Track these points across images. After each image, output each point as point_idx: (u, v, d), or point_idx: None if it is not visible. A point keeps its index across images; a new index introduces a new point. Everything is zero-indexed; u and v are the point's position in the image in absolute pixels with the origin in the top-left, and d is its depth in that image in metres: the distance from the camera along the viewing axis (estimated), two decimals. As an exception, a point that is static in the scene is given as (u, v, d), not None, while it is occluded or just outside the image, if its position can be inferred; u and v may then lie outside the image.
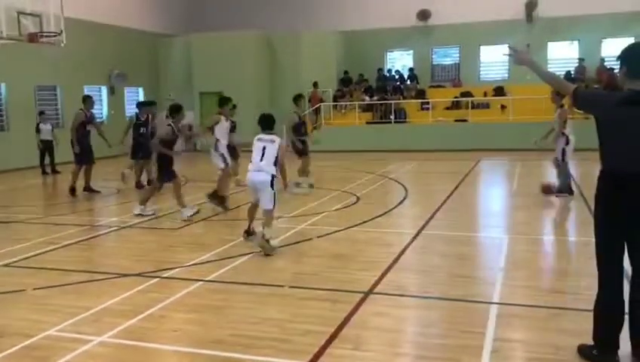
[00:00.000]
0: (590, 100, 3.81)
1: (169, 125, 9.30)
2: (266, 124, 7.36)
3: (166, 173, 9.23)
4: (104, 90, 22.02)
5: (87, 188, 12.08)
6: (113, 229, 8.72)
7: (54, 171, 16.27)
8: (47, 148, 16.35)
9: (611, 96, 3.66)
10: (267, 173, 6.93)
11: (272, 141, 7.12)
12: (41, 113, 16.85)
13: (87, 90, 20.89)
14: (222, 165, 10.05)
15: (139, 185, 12.49)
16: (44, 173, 16.27)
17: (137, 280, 5.97)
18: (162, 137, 9.24)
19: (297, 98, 12.16)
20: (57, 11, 12.77)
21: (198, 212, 9.21)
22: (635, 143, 3.52)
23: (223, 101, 10.42)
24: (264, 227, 6.91)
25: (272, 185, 6.95)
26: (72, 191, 11.81)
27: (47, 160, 16.45)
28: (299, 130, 11.77)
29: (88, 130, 12.00)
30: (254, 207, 7.38)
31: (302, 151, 11.88)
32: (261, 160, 6.98)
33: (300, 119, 11.77)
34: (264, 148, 7.03)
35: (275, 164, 7.01)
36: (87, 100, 12.27)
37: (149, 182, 12.65)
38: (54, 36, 12.74)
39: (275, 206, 7.14)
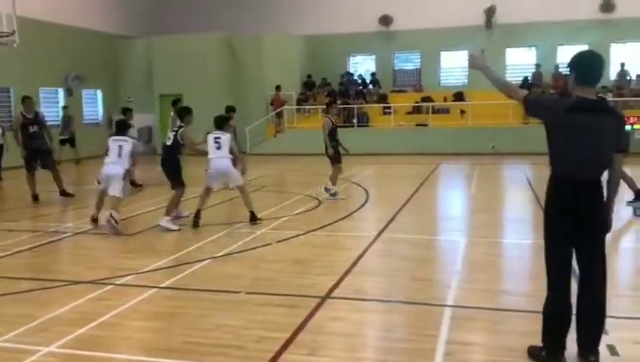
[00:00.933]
0: (540, 107, 3.88)
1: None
2: (217, 123, 9.04)
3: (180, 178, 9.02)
4: (61, 92, 21.49)
5: (63, 193, 11.56)
6: (67, 235, 8.48)
7: None
8: None
9: (561, 103, 3.73)
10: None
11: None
12: None
13: (42, 93, 20.44)
14: None
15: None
16: None
17: (90, 287, 5.81)
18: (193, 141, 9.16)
19: (330, 104, 11.94)
20: (9, 10, 12.41)
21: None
22: (583, 150, 3.59)
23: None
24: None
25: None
26: (34, 197, 11.27)
27: None
28: (333, 135, 11.23)
29: (32, 132, 11.10)
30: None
31: (336, 158, 11.29)
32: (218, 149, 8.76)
33: (333, 124, 11.21)
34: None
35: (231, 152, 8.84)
36: (25, 101, 11.42)
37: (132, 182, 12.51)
38: (7, 36, 12.36)
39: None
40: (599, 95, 3.87)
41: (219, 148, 8.84)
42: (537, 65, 23.19)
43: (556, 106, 3.72)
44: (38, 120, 11.30)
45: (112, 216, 8.28)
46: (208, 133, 9.10)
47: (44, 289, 5.85)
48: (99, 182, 9.34)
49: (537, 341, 3.94)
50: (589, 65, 3.69)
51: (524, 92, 3.91)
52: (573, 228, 3.68)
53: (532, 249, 7.27)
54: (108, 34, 23.28)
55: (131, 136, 9.51)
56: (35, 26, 17.93)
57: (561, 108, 3.67)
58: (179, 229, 8.55)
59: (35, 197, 11.31)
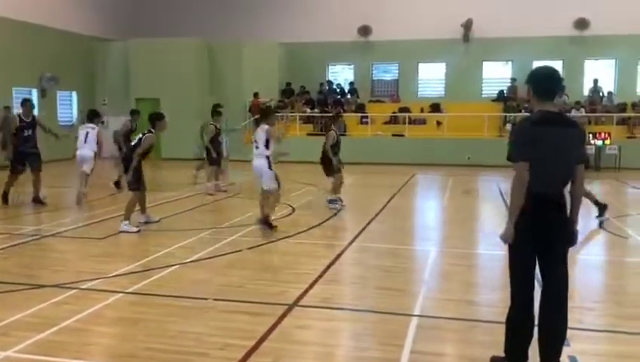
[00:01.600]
0: (520, 144, 3.70)
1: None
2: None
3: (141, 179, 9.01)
4: (34, 92, 21.15)
5: (36, 199, 11.10)
6: (34, 238, 8.33)
7: None
8: None
9: (525, 122, 3.78)
10: None
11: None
12: None
13: (15, 93, 20.09)
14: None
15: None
16: None
17: (53, 291, 5.71)
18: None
19: (336, 117, 12.21)
20: (-18, 9, 12.19)
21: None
22: (551, 163, 3.64)
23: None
24: None
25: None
26: (4, 197, 11.03)
27: None
28: (336, 148, 11.14)
29: (27, 135, 10.94)
30: None
31: (338, 169, 11.16)
32: None
33: (337, 137, 11.17)
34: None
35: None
36: (25, 105, 11.25)
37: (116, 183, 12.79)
38: (-21, 35, 12.13)
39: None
40: (571, 110, 3.91)
41: (257, 147, 8.92)
42: (513, 80, 23.55)
43: (524, 128, 3.74)
44: (34, 124, 11.14)
45: (80, 191, 11.10)
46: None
47: (6, 293, 5.73)
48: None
49: (500, 351, 3.97)
50: (544, 80, 3.76)
51: (517, 173, 3.70)
52: (538, 241, 3.73)
53: (501, 260, 7.32)
54: (85, 35, 23.01)
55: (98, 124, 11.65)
56: (9, 25, 17.66)
57: (527, 125, 3.72)
58: (138, 231, 8.59)
59: (5, 198, 11.07)
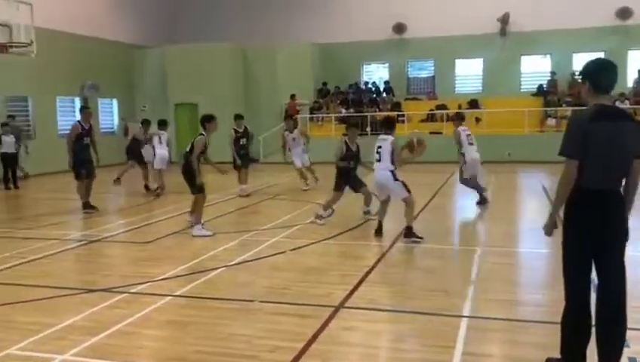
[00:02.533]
0: (572, 141, 3.60)
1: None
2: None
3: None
4: (77, 101, 21.72)
5: (86, 205, 11.31)
6: (82, 243, 8.54)
7: (15, 185, 15.45)
8: (9, 161, 15.46)
9: (583, 116, 3.65)
10: None
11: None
12: (4, 125, 15.63)
13: (59, 101, 20.67)
14: None
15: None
16: (6, 188, 15.28)
17: (104, 295, 5.83)
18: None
19: (348, 127, 10.26)
20: (28, 22, 12.59)
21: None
22: (607, 159, 3.53)
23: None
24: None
25: None
26: (87, 205, 11.22)
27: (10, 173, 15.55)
28: (350, 159, 9.73)
29: (86, 143, 11.21)
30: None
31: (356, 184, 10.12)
32: None
33: (346, 148, 9.63)
34: None
35: None
36: (85, 112, 11.60)
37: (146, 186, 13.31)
38: (25, 47, 12.53)
39: None
40: (615, 102, 3.80)
41: (379, 159, 8.22)
42: (552, 73, 23.03)
43: (580, 123, 3.62)
44: (92, 132, 11.43)
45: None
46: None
47: (59, 297, 5.88)
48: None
49: (555, 352, 3.88)
50: (602, 72, 3.65)
51: (565, 169, 3.61)
52: (594, 239, 3.62)
53: (548, 258, 7.18)
54: (124, 43, 23.52)
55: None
56: (52, 36, 18.17)
57: (585, 121, 3.59)
58: (213, 234, 8.68)
59: (88, 205, 11.26)
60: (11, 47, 12.28)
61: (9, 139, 15.26)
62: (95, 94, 22.06)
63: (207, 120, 9.25)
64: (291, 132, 14.34)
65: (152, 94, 23.77)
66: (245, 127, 13.29)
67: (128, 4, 24.01)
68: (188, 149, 9.01)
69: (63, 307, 5.57)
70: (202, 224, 8.85)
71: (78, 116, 21.51)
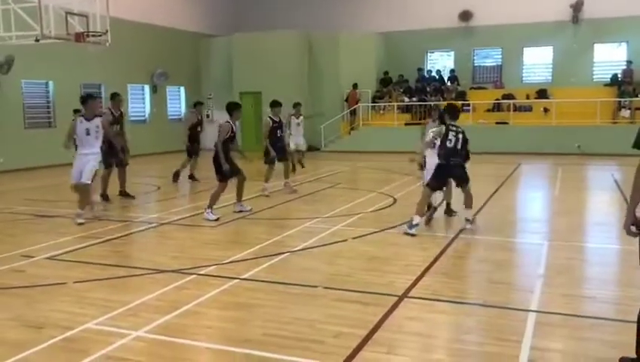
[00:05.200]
0: None
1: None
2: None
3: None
4: (147, 88, 22.48)
5: (122, 193, 11.34)
6: (152, 226, 8.88)
7: None
8: None
9: None
10: None
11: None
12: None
13: (130, 89, 21.44)
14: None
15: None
16: None
17: (174, 276, 6.06)
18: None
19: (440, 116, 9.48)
20: (103, 11, 13.10)
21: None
22: None
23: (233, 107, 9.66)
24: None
25: None
26: (105, 196, 10.98)
27: None
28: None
29: (116, 130, 11.00)
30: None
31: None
32: None
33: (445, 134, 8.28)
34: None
35: None
36: (115, 98, 11.45)
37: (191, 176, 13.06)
38: (100, 36, 13.05)
39: None
40: None
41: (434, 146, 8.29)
42: (629, 62, 21.92)
43: None
44: (122, 119, 11.41)
45: None
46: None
47: (132, 277, 6.16)
48: None
49: (627, 352, 3.75)
50: None
51: None
52: None
53: (619, 254, 6.92)
54: (191, 32, 24.10)
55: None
56: (123, 26, 18.82)
57: None
58: (217, 219, 8.95)
59: (125, 193, 11.32)
60: (88, 36, 12.80)
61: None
62: (164, 82, 22.76)
63: (233, 107, 9.48)
64: (297, 118, 14.81)
65: (218, 82, 24.27)
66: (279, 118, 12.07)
67: (196, -6, 24.55)
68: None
69: (135, 286, 5.83)
70: (212, 209, 9.11)
71: (148, 103, 22.55)
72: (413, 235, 7.73)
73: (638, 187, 3.54)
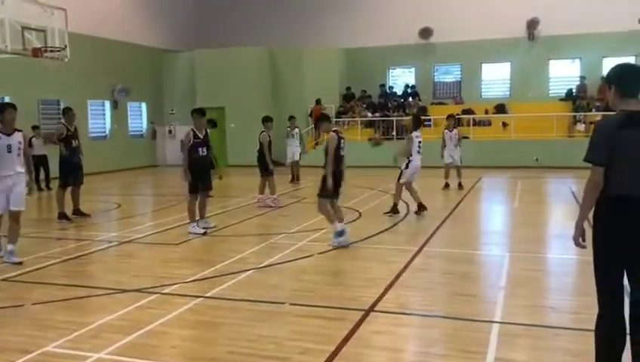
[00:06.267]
0: (598, 148, 3.56)
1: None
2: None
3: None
4: (107, 104, 22.13)
5: (77, 211, 10.91)
6: (113, 245, 8.69)
7: (48, 187, 15.57)
8: (40, 163, 15.53)
9: (610, 123, 3.61)
10: None
11: None
12: (35, 127, 15.96)
13: (90, 105, 21.07)
14: None
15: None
16: (39, 189, 15.17)
17: (136, 295, 5.94)
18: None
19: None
20: (62, 26, 12.89)
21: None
22: (635, 166, 3.49)
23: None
24: None
25: None
26: (63, 216, 10.58)
27: (42, 175, 15.81)
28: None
29: (74, 146, 10.63)
30: None
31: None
32: None
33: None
34: None
35: None
36: (67, 113, 10.85)
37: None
38: (58, 51, 12.82)
39: None
40: None
41: (418, 151, 10.66)
42: (582, 78, 22.72)
43: (606, 130, 3.58)
44: (78, 133, 10.92)
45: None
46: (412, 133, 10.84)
47: (92, 297, 6.00)
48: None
49: (586, 360, 3.84)
50: (626, 76, 3.60)
51: (591, 176, 3.57)
52: (623, 245, 3.56)
53: (577, 265, 7.10)
54: (152, 48, 23.90)
55: None
56: (84, 41, 18.54)
57: (611, 127, 3.54)
58: (204, 233, 9.01)
59: (65, 216, 10.67)
60: (46, 51, 12.55)
61: (38, 142, 15.45)
62: (125, 98, 22.45)
63: (192, 113, 9.57)
64: (292, 130, 16.89)
65: (181, 98, 24.08)
66: None
67: (158, 10, 24.39)
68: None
69: (96, 306, 5.68)
70: (197, 222, 9.19)
71: (108, 119, 22.20)
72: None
73: (586, 201, 3.63)
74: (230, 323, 5.08)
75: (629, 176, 3.50)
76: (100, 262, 7.91)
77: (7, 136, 7.39)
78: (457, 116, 22.62)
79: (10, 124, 7.47)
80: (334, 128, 8.47)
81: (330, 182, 7.95)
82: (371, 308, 5.37)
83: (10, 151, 7.37)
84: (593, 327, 3.77)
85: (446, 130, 14.82)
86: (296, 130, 16.91)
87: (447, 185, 14.55)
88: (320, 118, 8.79)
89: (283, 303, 5.57)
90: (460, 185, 14.36)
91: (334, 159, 8.06)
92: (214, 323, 5.11)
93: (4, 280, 6.70)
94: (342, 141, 8.26)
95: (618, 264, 3.63)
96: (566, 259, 7.45)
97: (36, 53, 12.48)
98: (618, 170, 3.51)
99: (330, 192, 8.07)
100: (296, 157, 16.88)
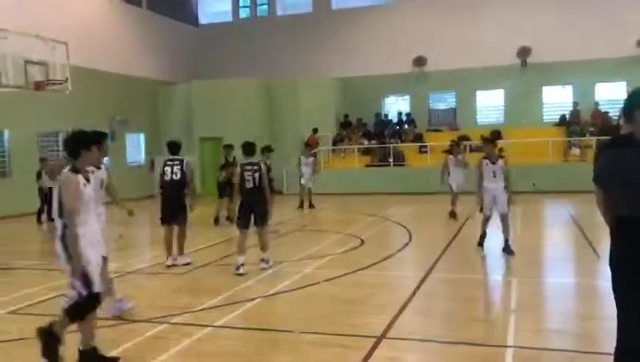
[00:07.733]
0: (604, 174, 3.63)
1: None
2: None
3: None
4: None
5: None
6: (117, 275, 8.63)
7: (50, 219, 15.75)
8: (47, 196, 15.88)
9: (606, 146, 3.68)
10: None
11: None
12: (43, 160, 15.99)
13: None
14: None
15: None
16: (38, 220, 15.38)
17: (146, 326, 5.90)
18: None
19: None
20: (63, 60, 13.01)
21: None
22: (633, 187, 3.52)
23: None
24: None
25: None
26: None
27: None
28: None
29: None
30: None
31: None
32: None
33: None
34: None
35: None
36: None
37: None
38: (60, 84, 12.93)
39: None
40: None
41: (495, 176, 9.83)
42: (575, 104, 23.04)
43: (605, 154, 3.63)
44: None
45: None
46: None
47: (103, 328, 5.95)
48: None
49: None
50: (625, 102, 3.61)
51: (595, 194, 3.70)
52: (636, 268, 3.57)
53: (584, 288, 7.12)
54: (151, 80, 24.10)
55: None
56: (83, 74, 18.69)
57: (607, 148, 3.62)
58: (189, 263, 9.01)
59: None
60: (48, 84, 12.66)
61: (46, 176, 15.39)
62: (124, 129, 22.54)
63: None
64: (307, 158, 17.15)
65: (178, 129, 24.17)
66: None
67: (156, 42, 24.68)
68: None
69: (107, 338, 5.61)
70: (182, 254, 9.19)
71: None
72: None
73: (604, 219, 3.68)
74: (242, 353, 5.06)
75: (628, 197, 3.53)
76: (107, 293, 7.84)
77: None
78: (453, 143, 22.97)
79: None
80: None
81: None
82: (383, 335, 5.35)
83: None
84: (603, 350, 3.78)
85: (450, 156, 14.56)
86: (312, 159, 17.33)
87: (454, 214, 13.99)
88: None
89: (292, 331, 5.55)
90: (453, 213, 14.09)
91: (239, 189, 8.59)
92: (226, 353, 5.08)
93: (10, 313, 6.65)
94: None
95: (634, 285, 3.61)
96: (572, 283, 7.49)
97: (38, 86, 12.58)
98: (617, 191, 3.55)
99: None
100: (310, 185, 17.07)
